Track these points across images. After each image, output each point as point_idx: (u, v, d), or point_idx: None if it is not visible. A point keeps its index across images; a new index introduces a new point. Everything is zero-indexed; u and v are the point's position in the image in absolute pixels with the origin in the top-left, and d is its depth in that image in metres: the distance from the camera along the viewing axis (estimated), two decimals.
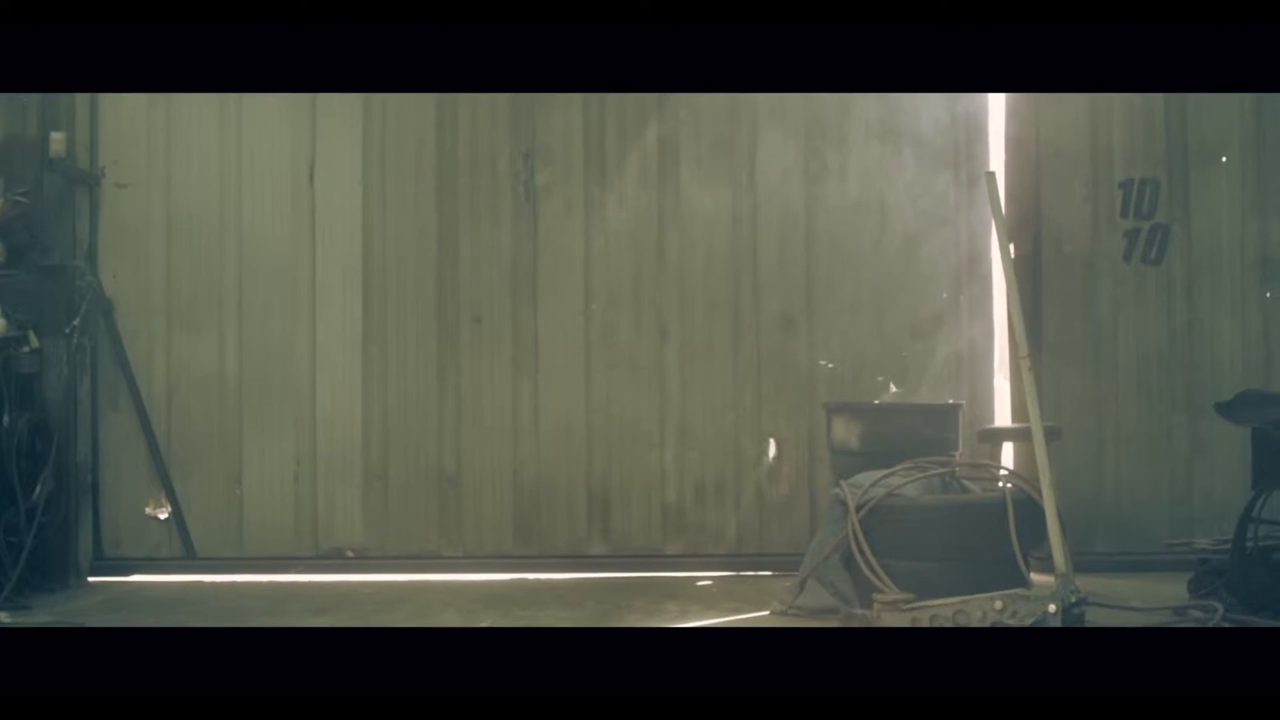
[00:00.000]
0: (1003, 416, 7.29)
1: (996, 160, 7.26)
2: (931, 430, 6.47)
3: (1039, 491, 5.78)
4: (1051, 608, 4.97)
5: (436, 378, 7.28)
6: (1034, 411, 5.25)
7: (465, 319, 7.28)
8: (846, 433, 6.57)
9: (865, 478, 5.96)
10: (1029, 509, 5.76)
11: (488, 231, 7.31)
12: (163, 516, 7.26)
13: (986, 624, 5.02)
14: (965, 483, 6.09)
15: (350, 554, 7.26)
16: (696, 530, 7.26)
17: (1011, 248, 7.03)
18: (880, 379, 7.23)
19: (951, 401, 6.99)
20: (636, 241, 7.31)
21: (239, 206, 7.31)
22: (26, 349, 6.80)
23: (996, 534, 5.63)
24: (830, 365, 7.24)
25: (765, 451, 7.23)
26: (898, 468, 6.00)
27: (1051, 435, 6.39)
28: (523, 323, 7.28)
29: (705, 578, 7.08)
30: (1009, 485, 5.82)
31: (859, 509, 5.74)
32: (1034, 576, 5.73)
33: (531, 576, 7.16)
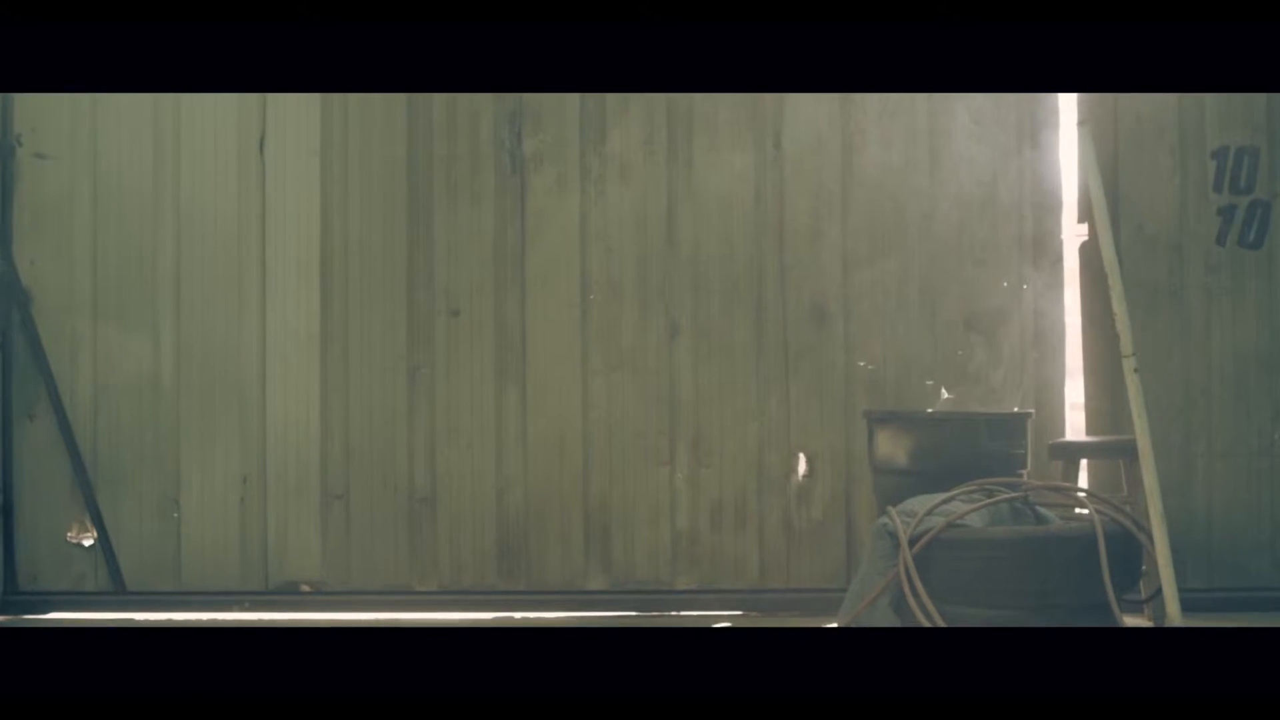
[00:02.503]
0: (1074, 428, 6.23)
1: (1066, 124, 6.21)
2: (996, 444, 5.43)
3: (1133, 521, 4.83)
4: None
5: (407, 381, 6.28)
6: (1140, 423, 4.23)
7: (441, 312, 6.28)
8: (893, 447, 5.53)
9: (918, 503, 4.93)
10: (1122, 544, 4.77)
11: (467, 209, 6.29)
12: (87, 544, 6.27)
13: None
14: (1040, 510, 5.05)
15: (306, 589, 6.27)
16: (712, 561, 6.24)
17: (1085, 228, 6.12)
18: (930, 383, 6.18)
19: (1018, 410, 5.94)
20: (642, 221, 6.29)
21: (176, 181, 6.32)
22: None
23: (1084, 575, 4.65)
24: (871, 367, 6.20)
25: (794, 469, 6.21)
26: (957, 491, 4.98)
27: (1134, 450, 5.45)
28: (508, 317, 6.28)
29: (722, 618, 6.05)
30: (1098, 514, 4.78)
31: (913, 542, 4.72)
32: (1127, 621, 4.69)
33: (518, 615, 6.16)
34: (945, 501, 4.89)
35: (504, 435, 6.26)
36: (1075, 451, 5.68)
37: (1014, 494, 4.96)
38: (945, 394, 6.15)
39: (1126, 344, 4.32)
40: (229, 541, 6.28)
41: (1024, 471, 5.54)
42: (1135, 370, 4.29)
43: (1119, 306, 4.35)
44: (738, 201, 6.29)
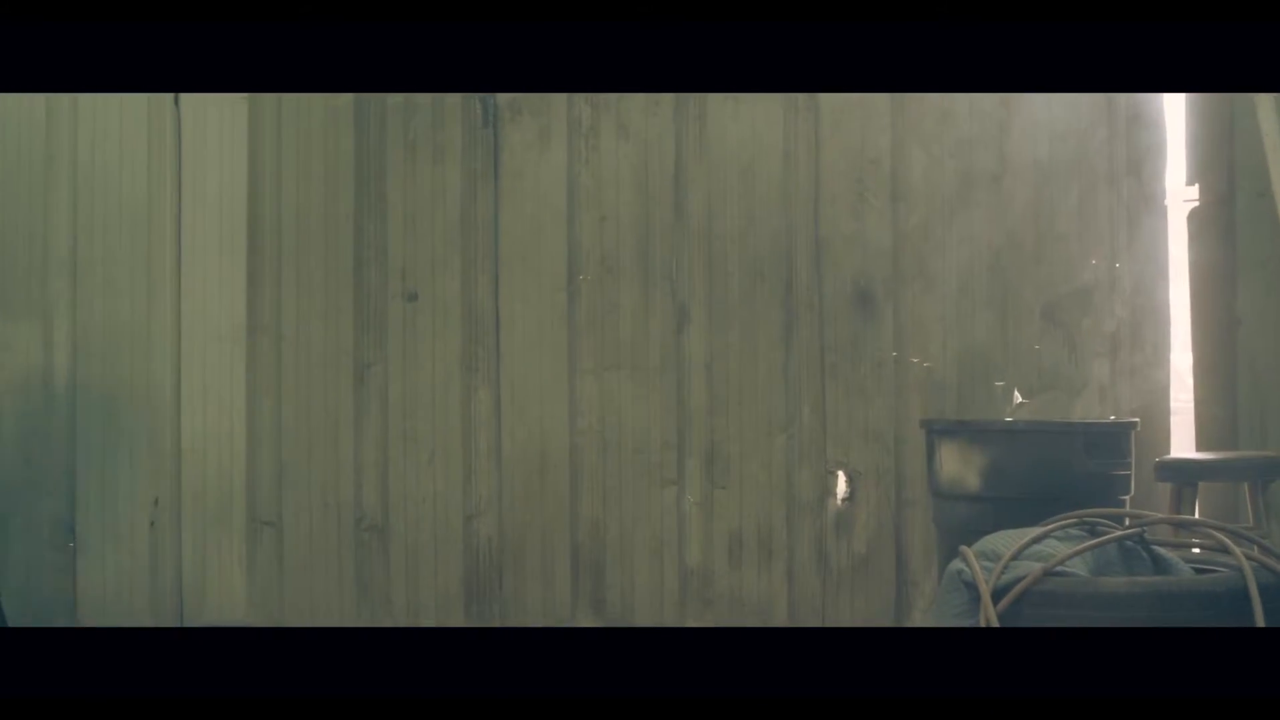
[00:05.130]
0: (1181, 441, 5.15)
1: None
2: (1095, 463, 4.37)
3: None
4: None
5: (353, 381, 5.36)
6: None
7: (395, 296, 5.36)
8: (961, 466, 4.42)
9: (1001, 542, 3.79)
10: (1277, 596, 3.61)
11: (428, 169, 5.35)
12: None
13: None
14: (1158, 551, 3.90)
15: None
16: (729, 604, 5.23)
17: (1196, 191, 5.04)
18: (1000, 384, 5.08)
19: (1114, 418, 4.82)
20: (644, 185, 5.29)
21: (73, 137, 5.50)
22: None
23: None
24: (927, 365, 5.12)
25: (831, 490, 5.16)
26: (1052, 525, 3.85)
27: (1268, 469, 4.43)
28: (478, 302, 5.34)
29: None
30: (1247, 559, 3.63)
31: (998, 596, 3.57)
32: None
33: None
34: (1037, 540, 3.75)
35: (473, 448, 5.34)
36: (1192, 472, 4.52)
37: (1128, 530, 3.80)
38: (1019, 398, 5.07)
39: None
40: (136, 577, 5.43)
41: (1126, 498, 4.46)
42: None
43: None
44: (762, 161, 5.25)
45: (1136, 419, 4.70)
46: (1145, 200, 5.07)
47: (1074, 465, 4.32)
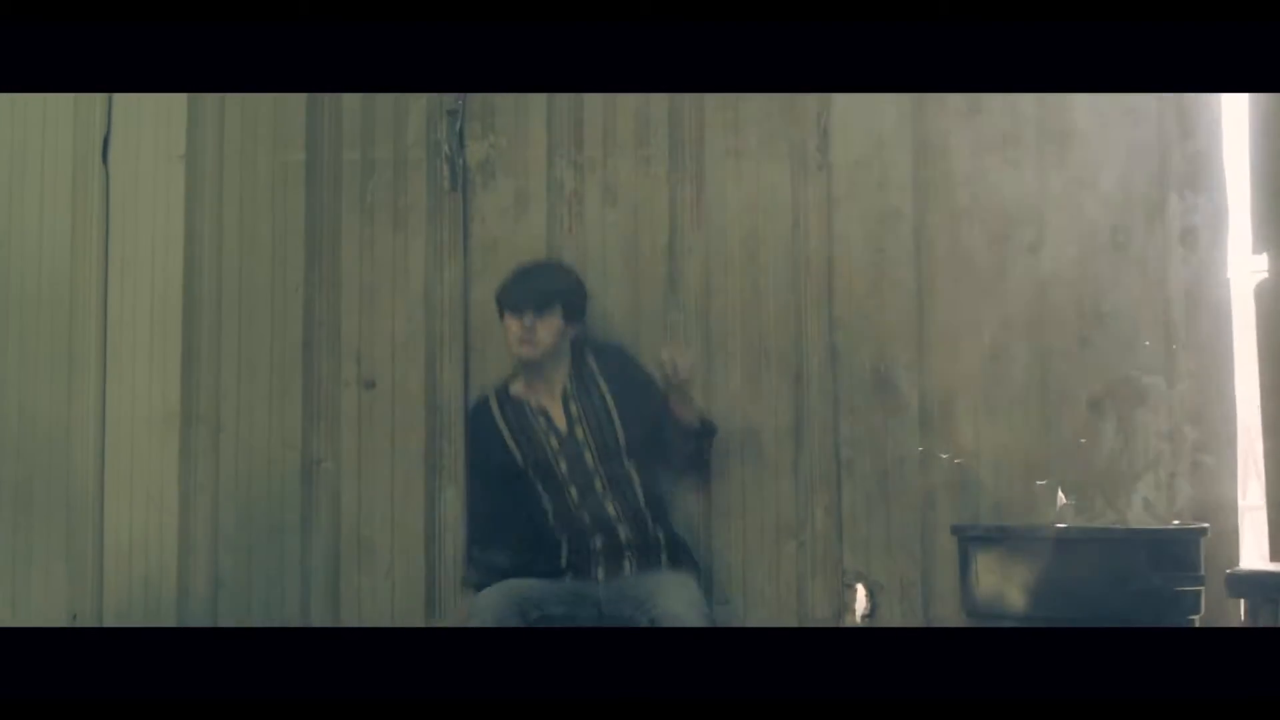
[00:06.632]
0: (1253, 549, 4.50)
1: (1228, 113, 4.46)
2: (1160, 576, 3.75)
3: None
4: None
5: (301, 480, 4.67)
6: None
7: (349, 382, 4.70)
8: (1001, 581, 3.80)
9: None
10: None
11: (387, 238, 4.70)
12: None
13: None
14: None
15: None
16: None
17: (1264, 261, 4.45)
18: (1041, 483, 4.41)
19: (1177, 524, 4.17)
20: (634, 256, 4.66)
21: None
22: None
23: None
24: (958, 460, 4.46)
25: (849, 606, 4.50)
26: None
27: None
28: (445, 389, 4.67)
29: None
30: None
31: None
32: None
33: None
34: None
35: (438, 558, 4.64)
36: (1272, 585, 3.88)
37: None
38: (1063, 498, 4.39)
39: None
40: None
41: (1196, 618, 3.82)
42: None
43: None
44: (767, 229, 4.62)
45: (1205, 524, 4.05)
46: (1205, 273, 4.43)
47: (1135, 579, 3.69)
